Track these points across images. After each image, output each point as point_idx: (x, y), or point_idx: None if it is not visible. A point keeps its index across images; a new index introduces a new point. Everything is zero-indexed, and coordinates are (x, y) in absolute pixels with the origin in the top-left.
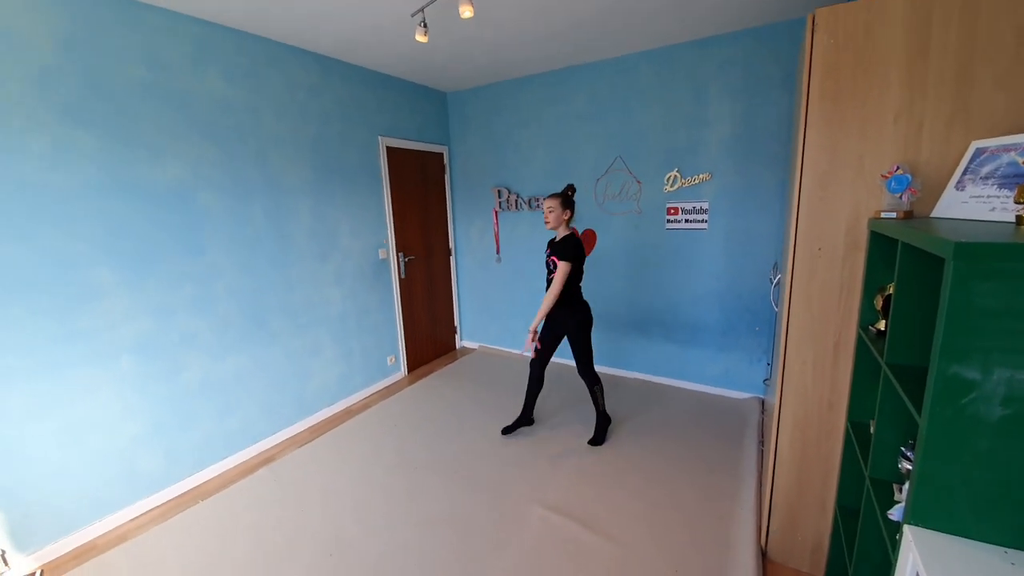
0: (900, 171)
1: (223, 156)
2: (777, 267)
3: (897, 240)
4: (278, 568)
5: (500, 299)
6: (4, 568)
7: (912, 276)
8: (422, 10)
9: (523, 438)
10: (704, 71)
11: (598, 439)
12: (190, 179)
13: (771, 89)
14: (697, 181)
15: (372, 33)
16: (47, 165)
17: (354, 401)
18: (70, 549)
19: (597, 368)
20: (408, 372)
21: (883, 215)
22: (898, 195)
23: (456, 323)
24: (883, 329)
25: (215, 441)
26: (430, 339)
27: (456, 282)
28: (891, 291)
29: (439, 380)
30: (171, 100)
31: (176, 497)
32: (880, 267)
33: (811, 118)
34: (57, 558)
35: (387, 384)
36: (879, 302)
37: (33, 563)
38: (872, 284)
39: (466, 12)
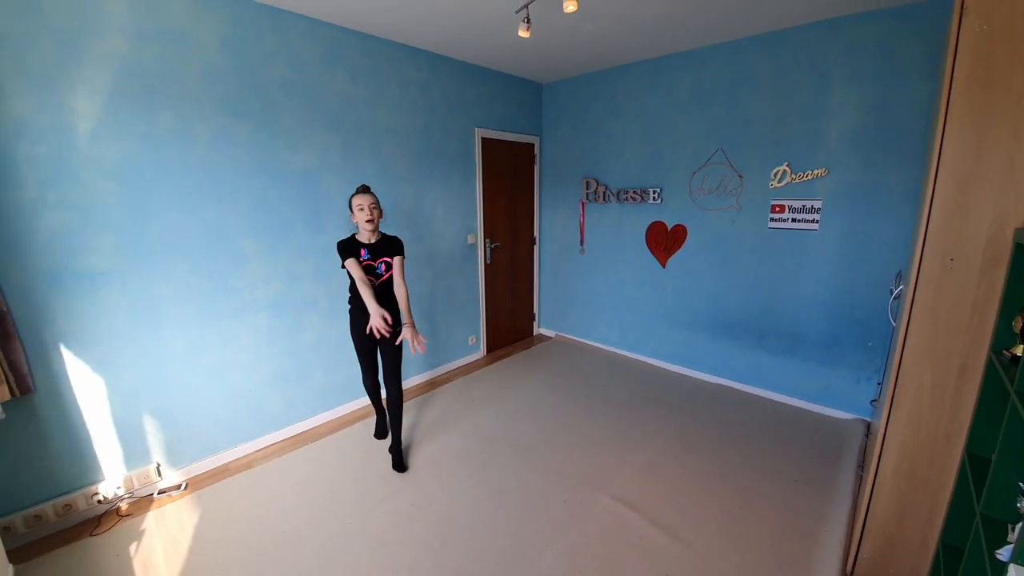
0: None
1: (344, 146)
2: (901, 277)
3: None
4: (371, 508)
5: (581, 290)
6: (157, 478)
7: None
8: (526, 7)
9: (593, 430)
10: (829, 55)
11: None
12: (317, 166)
13: (910, 77)
14: (810, 177)
15: (477, 29)
16: (210, 149)
17: (438, 374)
18: (208, 469)
19: (672, 367)
20: (487, 353)
21: None
22: None
23: (535, 310)
24: (1020, 354)
25: (322, 393)
26: (509, 324)
27: (538, 270)
28: None
29: (516, 363)
30: (305, 96)
31: (291, 436)
32: None
33: (953, 110)
34: (198, 475)
35: (467, 362)
36: (1019, 323)
37: (180, 477)
38: (1012, 303)
39: (570, 7)
